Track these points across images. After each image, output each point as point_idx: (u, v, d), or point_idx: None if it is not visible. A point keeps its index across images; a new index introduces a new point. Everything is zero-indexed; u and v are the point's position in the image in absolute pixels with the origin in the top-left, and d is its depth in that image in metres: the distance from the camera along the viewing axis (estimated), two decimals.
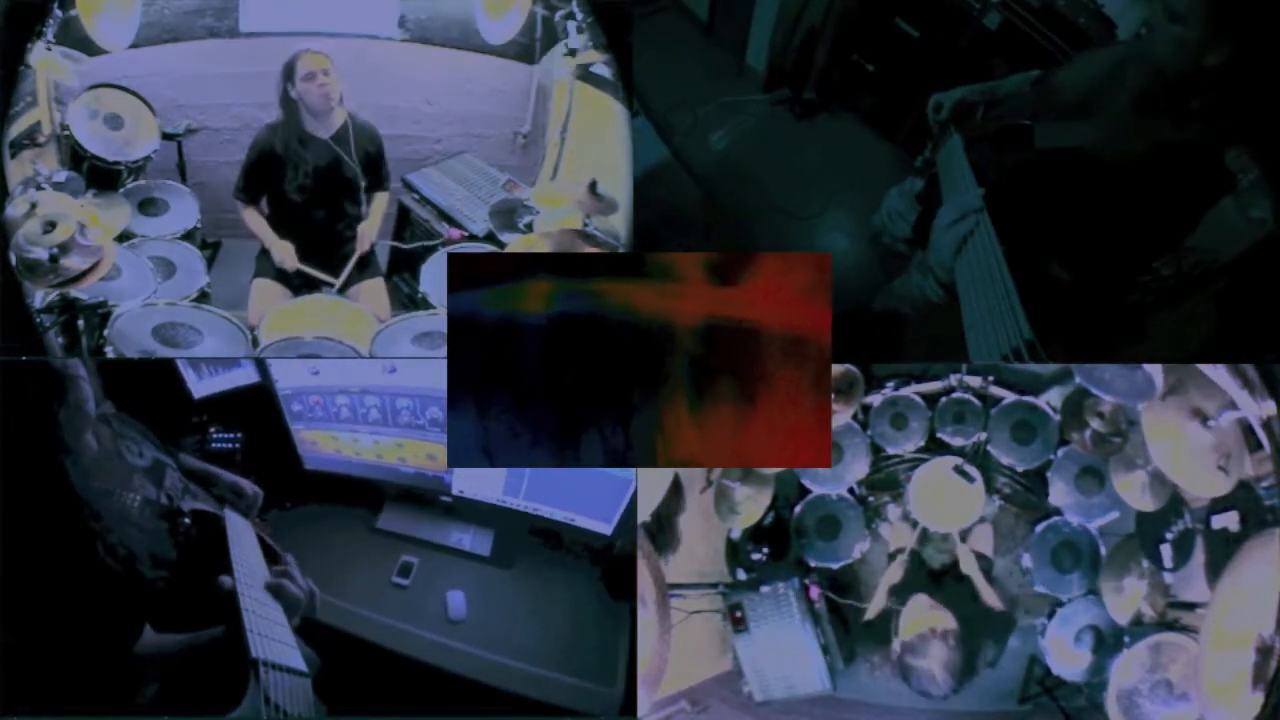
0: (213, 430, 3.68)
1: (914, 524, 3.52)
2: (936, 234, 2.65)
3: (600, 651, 3.09)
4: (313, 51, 3.64)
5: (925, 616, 3.43)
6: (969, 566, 3.47)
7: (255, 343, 3.34)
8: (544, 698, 2.95)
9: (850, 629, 3.65)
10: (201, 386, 3.70)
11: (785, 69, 3.77)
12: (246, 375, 3.69)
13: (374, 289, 3.83)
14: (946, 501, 3.50)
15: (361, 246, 3.80)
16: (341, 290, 3.75)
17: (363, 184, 3.78)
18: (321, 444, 3.65)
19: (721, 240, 3.59)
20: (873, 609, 3.53)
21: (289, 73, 3.63)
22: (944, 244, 2.56)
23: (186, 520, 2.58)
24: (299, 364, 3.41)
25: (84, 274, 3.07)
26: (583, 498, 3.31)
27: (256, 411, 3.63)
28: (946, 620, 3.41)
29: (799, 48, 3.73)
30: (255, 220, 3.77)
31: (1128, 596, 3.30)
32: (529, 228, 3.65)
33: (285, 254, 3.71)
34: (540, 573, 3.42)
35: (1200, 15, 2.68)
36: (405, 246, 4.01)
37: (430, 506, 3.61)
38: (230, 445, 3.68)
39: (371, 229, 3.85)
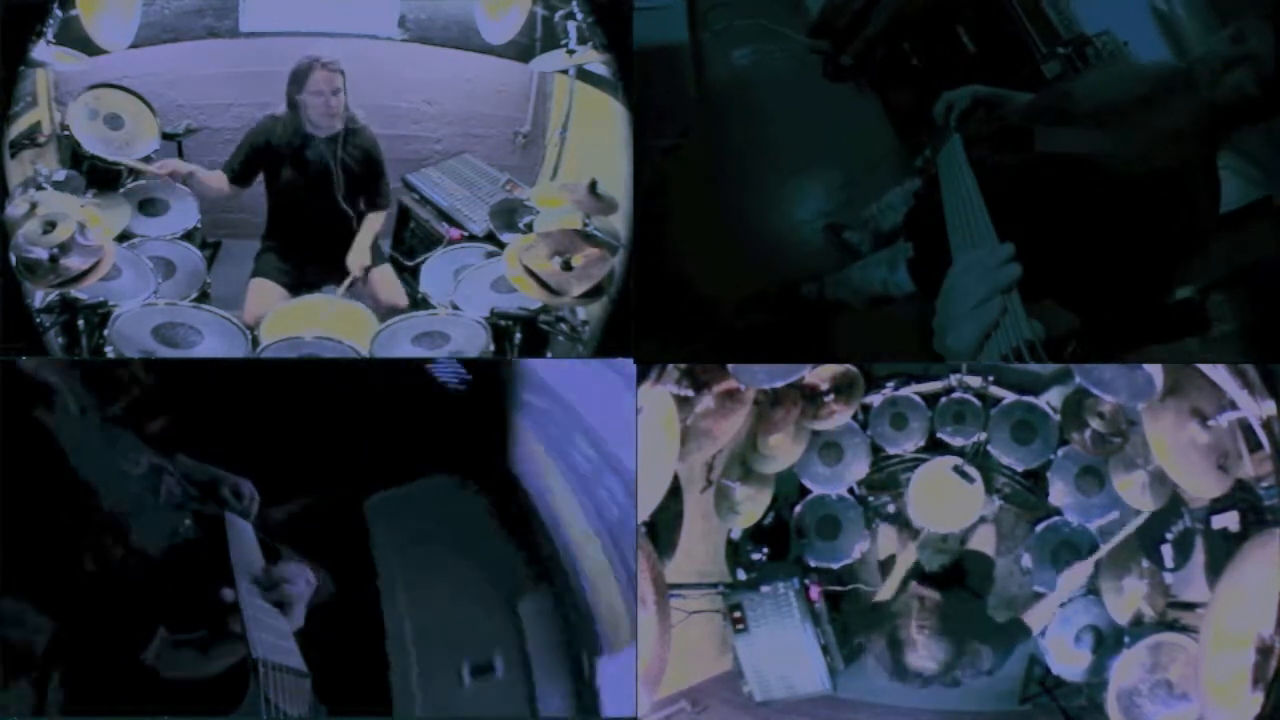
0: None
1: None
2: (952, 305, 2.27)
3: None
4: (328, 69, 3.60)
5: (916, 592, 3.39)
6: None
7: (255, 343, 3.34)
8: None
9: (847, 618, 3.64)
10: None
11: (835, 25, 3.68)
12: None
13: (384, 276, 3.82)
14: (946, 502, 3.50)
15: (354, 272, 3.71)
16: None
17: (342, 191, 3.73)
18: None
19: (694, 148, 3.52)
20: (886, 589, 3.49)
21: (299, 80, 3.62)
22: (966, 331, 2.14)
23: (186, 523, 2.57)
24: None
25: (84, 274, 3.07)
26: None
27: None
28: (934, 594, 3.38)
29: (857, 11, 3.66)
30: (215, 177, 3.74)
31: (1128, 596, 3.30)
32: (529, 228, 3.65)
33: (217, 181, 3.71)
34: None
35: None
36: (409, 262, 4.00)
37: None
38: None
39: (360, 255, 3.75)
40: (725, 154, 3.58)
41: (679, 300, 3.29)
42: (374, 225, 3.85)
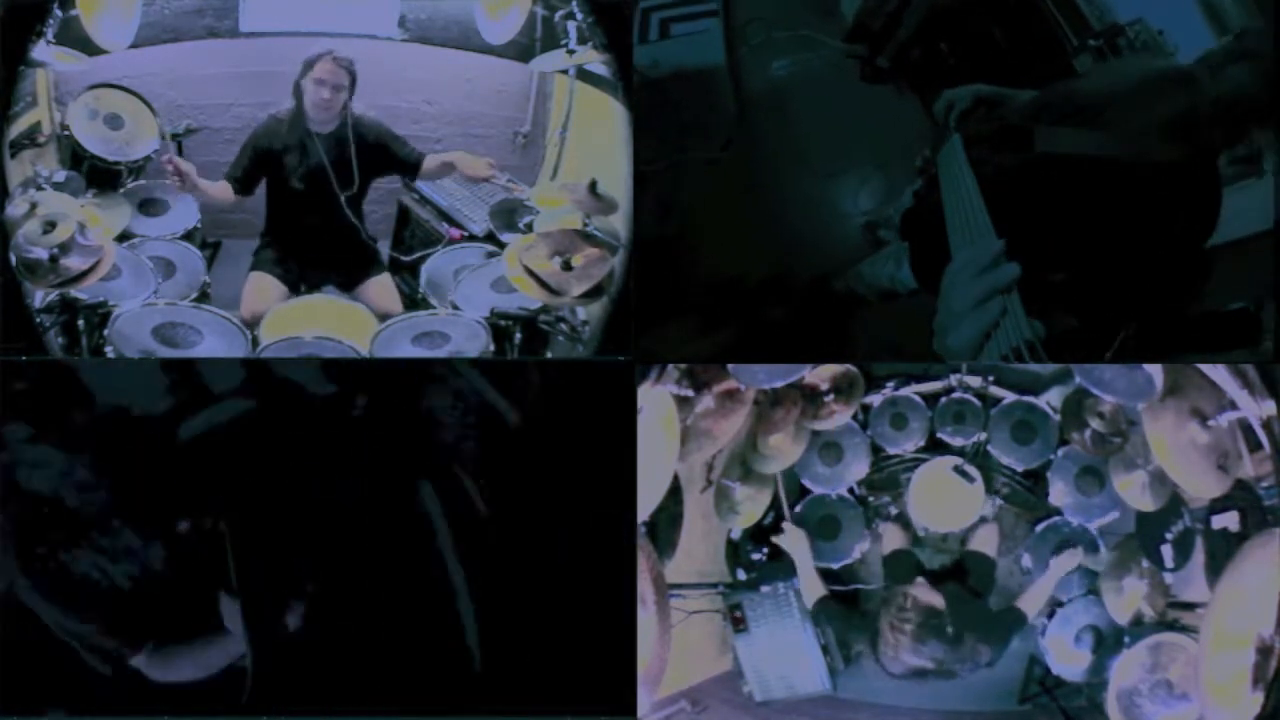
0: None
1: None
2: (951, 305, 2.35)
3: None
4: (337, 63, 3.59)
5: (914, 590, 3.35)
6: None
7: (255, 342, 3.33)
8: None
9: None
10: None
11: (871, 28, 3.67)
12: None
13: (382, 285, 3.81)
14: (947, 501, 3.50)
15: (492, 172, 3.74)
16: (351, 289, 3.74)
17: (342, 192, 3.69)
18: None
19: (735, 160, 3.55)
20: (809, 593, 3.47)
21: (308, 66, 3.61)
22: (966, 331, 2.15)
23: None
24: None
25: (84, 274, 3.08)
26: None
27: None
28: (934, 599, 3.33)
29: (891, 13, 3.65)
30: (219, 188, 3.68)
31: (1128, 596, 3.30)
32: (529, 228, 3.65)
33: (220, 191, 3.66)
34: None
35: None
36: (406, 259, 4.00)
37: None
38: None
39: (474, 164, 3.77)
40: (766, 160, 3.61)
41: (701, 297, 3.32)
42: (436, 159, 3.82)
